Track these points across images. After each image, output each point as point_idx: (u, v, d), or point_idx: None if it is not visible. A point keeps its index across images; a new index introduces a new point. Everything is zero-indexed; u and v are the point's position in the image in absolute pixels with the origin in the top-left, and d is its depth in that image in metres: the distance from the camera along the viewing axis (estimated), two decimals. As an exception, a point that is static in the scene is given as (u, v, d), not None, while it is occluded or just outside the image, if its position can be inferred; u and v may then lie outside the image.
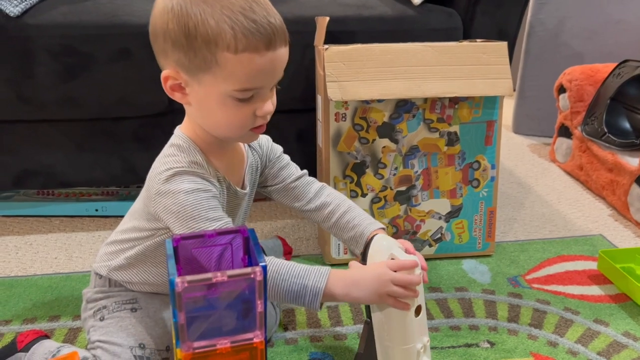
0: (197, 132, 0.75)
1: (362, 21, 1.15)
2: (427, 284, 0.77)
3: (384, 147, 1.07)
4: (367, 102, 1.03)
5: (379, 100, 1.03)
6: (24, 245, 1.21)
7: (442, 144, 1.08)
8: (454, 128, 1.07)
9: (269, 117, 0.73)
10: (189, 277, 0.51)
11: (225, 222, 0.69)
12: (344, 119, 1.04)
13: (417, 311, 0.74)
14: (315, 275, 0.71)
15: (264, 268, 0.53)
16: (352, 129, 1.05)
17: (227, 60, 0.66)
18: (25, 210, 1.31)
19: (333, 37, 1.09)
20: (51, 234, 1.25)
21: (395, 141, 1.07)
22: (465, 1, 1.18)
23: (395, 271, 0.72)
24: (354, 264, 0.76)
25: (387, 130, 1.06)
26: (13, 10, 1.04)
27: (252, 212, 1.36)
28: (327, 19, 1.03)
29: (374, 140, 1.06)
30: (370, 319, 0.76)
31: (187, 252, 0.60)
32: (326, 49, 1.01)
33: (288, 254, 1.12)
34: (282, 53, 0.70)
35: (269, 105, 0.71)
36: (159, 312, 0.81)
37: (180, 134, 0.76)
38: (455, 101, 1.06)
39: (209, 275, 0.52)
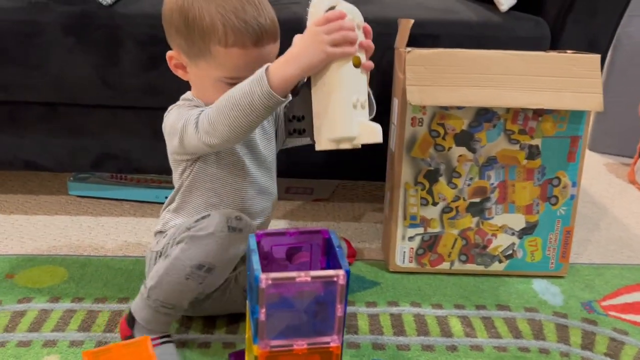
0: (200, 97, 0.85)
1: (445, 25, 1.12)
2: (371, 50, 0.76)
3: (460, 155, 1.03)
4: (445, 108, 1.01)
5: (459, 107, 1.00)
6: (96, 226, 1.25)
7: (522, 156, 1.04)
8: (536, 141, 1.03)
9: None
10: (273, 275, 0.50)
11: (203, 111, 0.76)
12: (420, 124, 1.02)
13: (357, 64, 0.73)
14: (256, 74, 0.72)
15: (347, 272, 0.52)
16: (428, 134, 1.02)
17: (218, 52, 0.77)
18: (99, 192, 1.35)
19: (415, 40, 1.07)
20: (122, 217, 1.29)
21: (473, 150, 1.03)
22: (556, 10, 1.13)
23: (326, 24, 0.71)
24: (296, 37, 0.74)
25: (465, 139, 1.02)
26: (106, -1, 1.08)
27: (314, 212, 1.36)
28: (412, 21, 1.01)
29: (450, 148, 1.03)
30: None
31: (266, 247, 0.60)
32: (408, 52, 0.99)
33: (352, 257, 1.11)
34: (270, 49, 0.79)
35: None
36: None
37: (187, 94, 0.88)
38: (539, 113, 1.01)
39: (293, 274, 0.51)
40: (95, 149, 1.22)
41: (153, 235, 0.92)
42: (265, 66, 0.72)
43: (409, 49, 1.00)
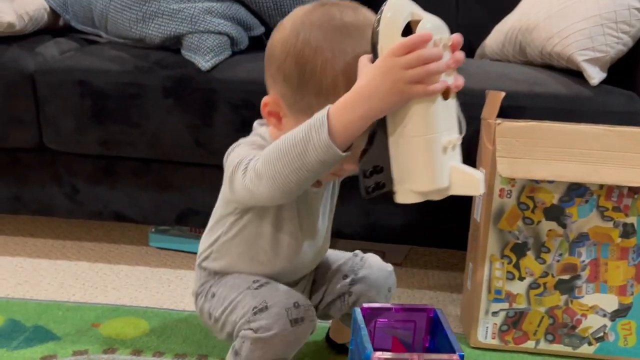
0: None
1: (533, 97, 1.12)
2: (462, 63, 0.60)
3: (550, 230, 1.00)
4: (536, 181, 0.99)
5: (550, 181, 0.98)
6: (175, 279, 1.28)
7: (615, 234, 1.00)
8: (631, 219, 0.99)
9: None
10: (386, 355, 0.50)
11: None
12: (508, 196, 1.00)
13: (446, 94, 0.58)
14: (315, 117, 0.59)
15: (461, 357, 0.50)
16: (516, 207, 1.00)
17: None
18: (178, 245, 1.39)
19: (501, 111, 1.07)
20: (199, 271, 1.31)
21: (563, 225, 1.00)
22: (649, 85, 1.11)
23: (405, 54, 0.56)
24: (362, 63, 0.60)
25: (556, 213, 1.00)
26: (204, 64, 1.15)
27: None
28: (502, 94, 1.02)
29: (539, 221, 1.00)
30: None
31: (370, 321, 0.59)
32: (498, 123, 0.99)
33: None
34: None
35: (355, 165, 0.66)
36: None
37: (262, 130, 0.78)
38: (635, 191, 0.98)
39: (406, 356, 0.50)
40: (180, 203, 1.26)
41: (194, 297, 0.90)
42: (326, 108, 0.59)
43: (498, 120, 0.99)
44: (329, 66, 0.63)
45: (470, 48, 1.49)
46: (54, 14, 1.35)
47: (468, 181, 0.58)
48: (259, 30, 1.30)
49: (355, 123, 0.58)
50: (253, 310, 0.75)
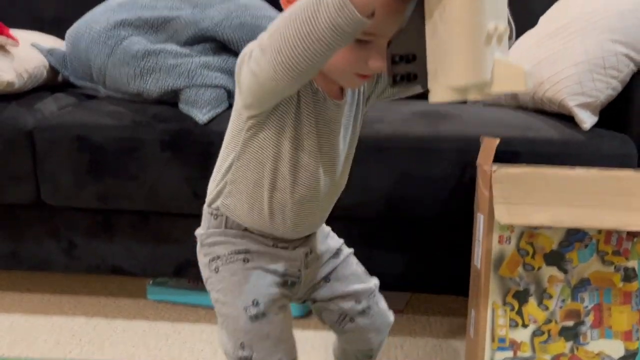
0: None
1: (527, 143, 1.13)
2: None
3: (551, 276, 1.00)
4: (535, 227, 0.99)
5: (548, 227, 0.98)
6: (173, 333, 1.25)
7: (617, 279, 0.99)
8: (632, 263, 0.98)
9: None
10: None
11: None
12: (508, 242, 1.00)
13: None
14: None
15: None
16: (516, 253, 1.00)
17: None
18: (176, 298, 1.37)
19: (495, 156, 1.08)
20: (198, 324, 1.29)
21: (564, 271, 0.99)
22: (642, 127, 1.12)
23: None
24: None
25: (556, 259, 0.99)
26: (202, 118, 1.16)
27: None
28: (497, 141, 1.03)
29: (539, 267, 1.00)
30: None
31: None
32: (494, 170, 0.99)
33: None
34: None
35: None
36: (269, 264, 0.79)
37: None
38: (634, 234, 0.98)
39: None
40: (179, 256, 1.25)
41: (197, 241, 0.85)
42: None
43: (494, 167, 1.00)
44: None
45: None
46: (53, 70, 1.37)
47: (513, 74, 0.51)
48: (255, 82, 1.32)
49: None
50: (239, 357, 0.76)
